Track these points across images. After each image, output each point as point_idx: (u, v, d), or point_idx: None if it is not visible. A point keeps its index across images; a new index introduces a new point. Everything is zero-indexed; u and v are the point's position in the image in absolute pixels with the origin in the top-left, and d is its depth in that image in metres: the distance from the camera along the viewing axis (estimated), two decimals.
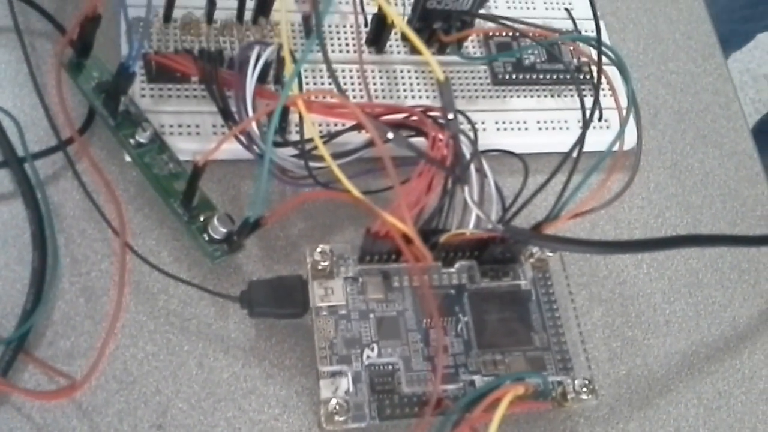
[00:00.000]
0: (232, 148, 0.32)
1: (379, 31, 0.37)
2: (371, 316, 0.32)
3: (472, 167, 0.32)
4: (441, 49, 0.38)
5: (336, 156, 0.31)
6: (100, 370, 0.30)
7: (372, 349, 0.31)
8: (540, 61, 0.39)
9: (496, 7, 0.40)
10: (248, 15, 0.35)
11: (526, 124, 0.38)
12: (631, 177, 0.33)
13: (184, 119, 0.34)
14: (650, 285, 0.37)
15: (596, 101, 0.35)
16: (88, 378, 0.29)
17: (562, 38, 0.39)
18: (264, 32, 0.35)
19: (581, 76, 0.39)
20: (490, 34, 0.39)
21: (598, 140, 0.35)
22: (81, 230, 0.32)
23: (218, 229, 0.32)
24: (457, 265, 0.33)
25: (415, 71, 0.38)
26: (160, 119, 0.34)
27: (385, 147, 0.29)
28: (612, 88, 0.37)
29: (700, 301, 0.37)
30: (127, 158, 0.33)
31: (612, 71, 0.37)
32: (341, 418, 0.30)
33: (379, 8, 0.36)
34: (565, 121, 0.39)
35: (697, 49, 0.44)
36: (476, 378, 0.31)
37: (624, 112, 0.37)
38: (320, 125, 0.35)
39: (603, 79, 0.36)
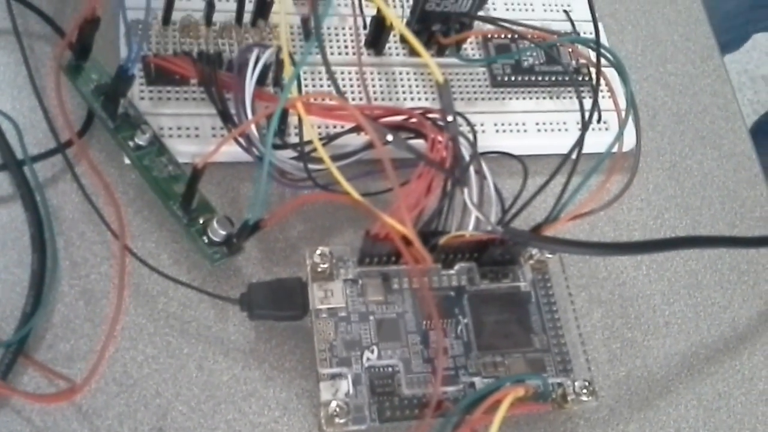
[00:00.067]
0: (231, 151, 0.32)
1: (378, 33, 0.37)
2: (371, 318, 0.32)
3: (472, 169, 0.32)
4: (440, 51, 0.38)
5: (335, 158, 0.31)
6: (99, 372, 0.30)
7: (372, 351, 0.31)
8: (539, 63, 0.39)
9: (494, 9, 0.40)
10: (247, 17, 0.35)
11: (525, 125, 0.38)
12: (631, 178, 0.33)
13: (183, 122, 0.34)
14: (650, 286, 0.37)
15: (595, 103, 0.35)
16: (88, 381, 0.29)
17: (560, 40, 0.39)
18: (263, 34, 0.35)
19: (580, 78, 0.39)
20: (489, 36, 0.39)
21: (596, 142, 0.35)
22: (80, 233, 0.32)
23: (218, 232, 0.31)
24: (456, 267, 0.33)
25: (414, 73, 0.38)
26: (159, 122, 0.33)
27: (385, 149, 0.29)
28: (611, 90, 0.38)
29: (700, 302, 0.37)
30: (126, 161, 0.33)
31: (611, 73, 0.37)
32: (341, 421, 0.30)
33: (378, 10, 0.36)
34: (564, 123, 0.39)
35: (695, 51, 0.44)
36: (476, 380, 0.31)
37: (623, 113, 0.37)
38: (319, 127, 0.35)
39: (602, 81, 0.36)
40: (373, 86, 0.37)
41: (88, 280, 0.31)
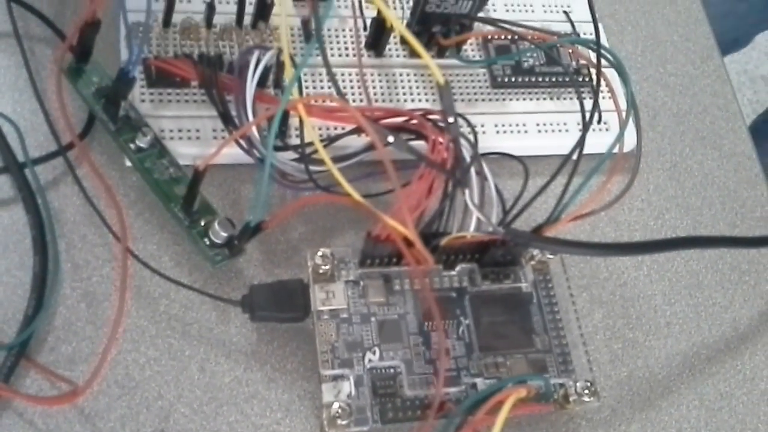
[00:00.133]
0: (232, 153, 0.32)
1: (378, 35, 0.37)
2: (372, 319, 0.32)
3: (473, 170, 0.32)
4: (440, 53, 0.38)
5: (336, 159, 0.31)
6: (101, 375, 0.30)
7: (374, 353, 0.31)
8: (539, 64, 0.39)
9: (494, 11, 0.40)
10: (247, 19, 0.35)
11: (525, 126, 0.38)
12: (631, 179, 0.33)
13: (184, 124, 0.34)
14: (651, 287, 0.37)
15: (595, 104, 0.35)
16: (90, 383, 0.29)
17: (561, 41, 0.39)
18: (263, 36, 0.35)
19: (580, 79, 0.39)
20: (489, 37, 0.39)
21: (597, 142, 0.35)
22: (82, 235, 0.32)
23: (219, 234, 0.32)
24: (458, 268, 0.33)
25: (414, 74, 0.38)
26: (160, 124, 0.34)
27: (386, 150, 0.29)
28: (611, 91, 0.38)
29: (701, 302, 0.37)
30: (128, 163, 0.33)
31: (611, 73, 0.37)
32: (344, 422, 0.30)
33: (378, 12, 0.36)
34: (564, 124, 0.39)
35: (695, 51, 0.44)
36: (478, 381, 0.31)
37: (623, 114, 0.37)
38: (320, 129, 0.35)
39: (602, 82, 0.36)
40: (374, 88, 0.37)
41: (89, 282, 0.31)
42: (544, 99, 0.39)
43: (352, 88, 0.36)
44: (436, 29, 0.37)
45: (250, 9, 0.35)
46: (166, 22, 0.34)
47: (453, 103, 0.30)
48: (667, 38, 0.44)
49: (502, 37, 0.39)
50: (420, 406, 0.31)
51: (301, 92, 0.34)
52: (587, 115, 0.35)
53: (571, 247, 0.33)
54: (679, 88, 0.43)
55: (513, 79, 0.39)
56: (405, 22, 0.38)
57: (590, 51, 0.38)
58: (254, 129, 0.32)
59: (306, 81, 0.36)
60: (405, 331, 0.32)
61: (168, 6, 0.34)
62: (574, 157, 0.32)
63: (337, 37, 0.37)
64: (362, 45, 0.37)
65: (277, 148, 0.33)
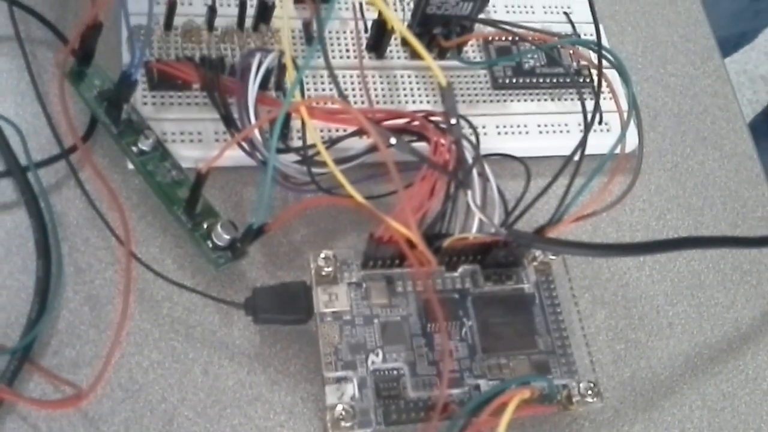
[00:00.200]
0: (234, 155, 0.32)
1: (379, 37, 0.37)
2: (375, 321, 0.32)
3: (475, 171, 0.32)
4: (441, 54, 0.38)
5: (337, 162, 0.31)
6: (105, 378, 0.30)
7: (377, 355, 0.31)
8: (540, 65, 0.39)
9: (495, 12, 0.40)
10: (249, 22, 0.35)
11: (526, 127, 0.38)
12: (633, 180, 0.33)
13: (186, 126, 0.34)
14: (653, 287, 0.37)
15: (597, 105, 0.35)
16: (93, 387, 0.29)
17: (562, 42, 0.39)
18: (265, 39, 0.35)
19: (581, 80, 0.39)
20: (490, 38, 0.39)
21: (598, 143, 0.35)
22: (84, 238, 0.32)
23: (222, 236, 0.32)
24: (460, 270, 0.33)
25: (416, 76, 0.38)
26: (162, 127, 0.34)
27: (388, 152, 0.29)
28: (612, 91, 0.38)
29: (703, 302, 0.37)
30: (130, 166, 0.33)
31: (611, 74, 0.37)
32: (347, 424, 0.30)
33: (379, 14, 0.36)
34: (566, 125, 0.39)
35: (695, 51, 0.44)
36: (481, 382, 0.31)
37: (624, 114, 0.37)
38: (321, 131, 0.35)
39: (603, 82, 0.36)
40: (375, 89, 0.37)
41: (92, 285, 0.31)
42: (545, 100, 0.39)
43: (353, 89, 0.36)
44: (436, 31, 0.37)
45: (251, 11, 0.35)
46: (168, 24, 0.34)
47: (455, 105, 0.30)
48: (667, 38, 0.45)
49: (503, 38, 0.39)
50: (423, 407, 0.31)
51: (303, 94, 0.34)
52: (588, 116, 0.35)
53: (573, 248, 0.33)
54: (680, 89, 0.43)
55: (514, 80, 0.39)
56: (406, 23, 0.38)
57: (591, 52, 0.38)
58: (256, 131, 0.32)
59: (307, 83, 0.36)
60: (408, 332, 0.32)
61: (169, 9, 0.34)
62: (576, 158, 0.32)
63: (338, 39, 0.38)
64: (363, 47, 0.37)
65: (279, 151, 0.33)
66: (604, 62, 0.36)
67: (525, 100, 0.39)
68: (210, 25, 0.35)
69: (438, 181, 0.31)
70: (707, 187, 0.40)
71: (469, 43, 0.39)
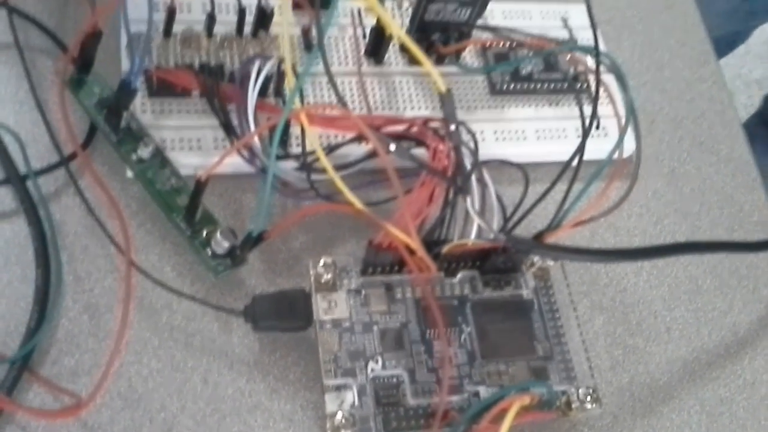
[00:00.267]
0: (233, 162, 0.32)
1: (377, 43, 0.37)
2: (375, 328, 0.32)
3: (473, 177, 0.32)
4: (439, 60, 0.38)
5: (336, 168, 0.31)
6: (105, 387, 0.30)
7: (376, 362, 0.31)
8: (537, 71, 0.39)
9: (492, 18, 0.41)
10: (248, 29, 0.35)
11: (524, 133, 0.38)
12: (631, 185, 0.33)
13: (186, 134, 0.34)
14: (650, 292, 0.37)
15: (594, 110, 0.36)
16: (93, 396, 0.29)
17: (560, 49, 0.39)
18: (264, 45, 0.35)
19: (578, 85, 0.40)
20: (488, 44, 0.39)
21: (595, 148, 0.35)
22: (84, 247, 0.32)
23: (221, 244, 0.31)
24: (459, 276, 0.34)
25: (414, 82, 0.38)
26: (162, 134, 0.34)
27: (387, 158, 0.29)
28: (610, 97, 0.38)
29: (700, 307, 0.37)
30: (129, 174, 0.33)
31: (609, 79, 0.37)
32: None
33: (378, 21, 0.36)
34: (563, 130, 0.39)
35: (692, 56, 0.45)
36: (481, 389, 0.31)
37: (622, 120, 0.37)
38: (319, 137, 0.35)
39: (600, 88, 0.36)
40: (373, 95, 0.37)
41: (92, 294, 0.31)
42: (543, 105, 0.39)
43: (352, 96, 0.37)
44: (435, 37, 0.37)
45: (250, 18, 0.35)
46: (167, 32, 0.34)
47: (455, 111, 0.30)
48: (663, 44, 0.45)
49: (501, 44, 0.39)
50: (423, 415, 0.31)
51: (302, 101, 0.34)
52: (586, 122, 0.35)
53: (572, 254, 0.33)
54: (676, 94, 0.43)
55: (511, 86, 0.39)
56: (404, 30, 0.38)
57: (588, 57, 0.38)
58: (256, 138, 0.32)
59: (306, 89, 0.36)
60: (407, 339, 0.32)
61: (168, 16, 0.34)
62: (574, 163, 0.32)
63: (336, 45, 0.38)
64: (362, 53, 0.38)
65: (278, 158, 0.33)
66: (602, 67, 0.36)
67: (522, 106, 0.39)
68: (209, 32, 0.35)
69: (437, 187, 0.31)
70: (704, 192, 0.41)
71: (467, 49, 0.39)
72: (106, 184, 0.33)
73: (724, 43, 0.79)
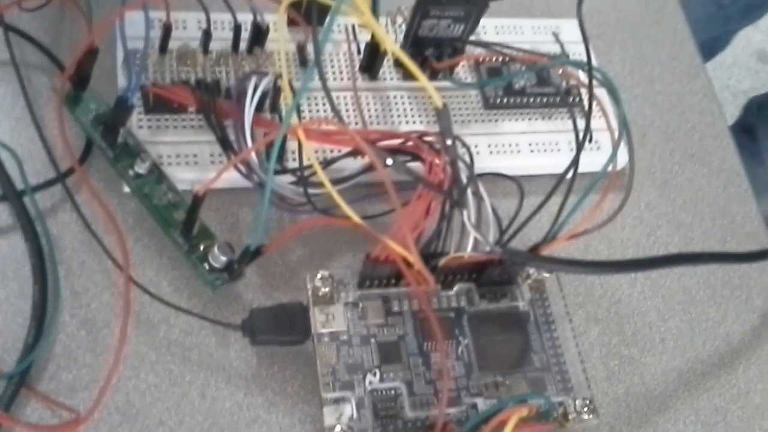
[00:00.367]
0: (230, 177, 0.32)
1: (372, 59, 0.37)
2: (372, 341, 0.32)
3: (469, 191, 0.33)
4: (433, 75, 0.38)
5: (333, 182, 0.31)
6: (103, 402, 0.30)
7: (374, 374, 0.31)
8: (530, 85, 0.40)
9: (485, 33, 0.41)
10: (243, 45, 0.36)
11: (518, 146, 0.39)
12: (625, 198, 0.33)
13: (182, 149, 0.34)
14: (645, 303, 0.37)
15: (588, 124, 0.36)
16: (91, 411, 0.29)
17: (553, 63, 0.40)
18: (259, 62, 0.36)
19: (571, 99, 0.40)
20: (481, 59, 0.40)
21: (589, 161, 0.36)
22: (81, 262, 0.32)
23: (219, 258, 0.32)
24: (455, 288, 0.34)
25: (408, 97, 0.38)
26: (158, 150, 0.34)
27: (384, 172, 0.30)
28: (602, 110, 0.38)
29: (694, 318, 0.38)
30: (126, 189, 0.33)
31: (601, 93, 0.38)
32: None
33: (372, 36, 0.37)
34: (556, 143, 0.39)
35: (682, 70, 0.45)
36: (478, 400, 0.32)
37: (615, 133, 0.37)
38: (315, 152, 0.35)
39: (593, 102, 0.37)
40: (368, 110, 0.37)
41: (89, 309, 0.31)
42: (536, 119, 0.40)
43: (347, 111, 0.37)
44: (428, 52, 0.38)
45: (245, 35, 0.36)
46: (163, 48, 0.35)
47: (452, 125, 0.31)
48: (654, 58, 0.45)
49: (494, 59, 0.40)
50: (422, 427, 0.31)
51: (299, 117, 0.35)
52: (580, 135, 0.35)
53: (567, 266, 0.33)
54: (667, 107, 0.44)
55: (505, 100, 0.39)
56: (398, 45, 0.38)
57: (580, 71, 0.39)
58: (253, 153, 0.32)
59: (302, 104, 0.36)
60: (405, 352, 0.32)
61: (164, 33, 0.34)
62: (568, 176, 0.33)
63: (331, 61, 0.38)
64: (356, 68, 0.38)
65: (275, 172, 0.33)
66: (594, 81, 0.37)
67: (516, 120, 0.39)
68: (205, 49, 0.35)
69: (433, 200, 0.32)
70: (696, 204, 0.41)
71: (461, 64, 0.39)
72: (103, 199, 0.33)
73: (706, 50, 0.80)
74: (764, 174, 0.75)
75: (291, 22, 0.36)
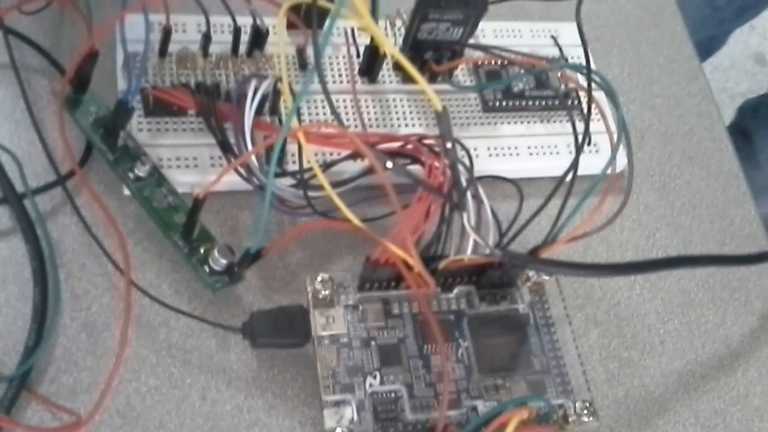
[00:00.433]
0: (230, 180, 0.32)
1: (371, 62, 0.38)
2: (372, 343, 0.32)
3: (469, 194, 0.33)
4: (432, 79, 0.39)
5: (333, 185, 0.31)
6: (104, 405, 0.30)
7: (374, 377, 0.31)
8: (529, 88, 0.40)
9: (484, 37, 0.41)
10: (243, 48, 0.36)
11: (517, 149, 0.39)
12: (624, 200, 0.33)
13: (182, 152, 0.34)
14: (644, 306, 0.38)
15: (587, 127, 0.36)
16: (92, 414, 0.29)
17: (552, 67, 0.40)
18: (259, 65, 0.36)
19: (569, 102, 0.40)
20: (480, 63, 0.40)
21: (587, 164, 0.36)
22: (81, 265, 0.32)
23: (219, 261, 0.32)
24: (455, 291, 0.34)
25: (408, 100, 0.38)
26: (158, 153, 0.34)
27: (384, 175, 0.30)
28: (601, 113, 0.38)
29: (693, 320, 0.38)
30: (126, 192, 0.33)
31: (599, 96, 0.38)
32: None
33: (371, 39, 0.37)
34: (555, 146, 0.39)
35: (680, 72, 0.45)
36: (479, 403, 0.32)
37: (614, 136, 0.37)
38: (315, 155, 0.35)
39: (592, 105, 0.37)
40: (368, 113, 0.37)
41: (89, 312, 0.31)
42: (535, 122, 0.40)
43: (346, 114, 0.37)
44: (427, 56, 0.38)
45: (245, 38, 0.36)
46: (163, 51, 0.35)
47: (451, 129, 0.31)
48: (652, 60, 0.45)
49: (493, 62, 0.40)
50: (422, 429, 0.31)
51: (299, 120, 0.35)
52: (579, 138, 0.35)
53: (566, 269, 0.33)
54: (666, 109, 0.44)
55: (503, 104, 0.39)
56: (397, 48, 0.38)
57: (579, 75, 0.39)
58: (253, 156, 0.32)
59: (301, 107, 0.36)
60: (405, 354, 0.32)
61: (164, 36, 0.34)
62: (568, 179, 0.33)
63: (330, 64, 0.38)
64: (356, 72, 0.38)
65: (275, 175, 0.33)
66: (593, 84, 0.37)
67: (515, 123, 0.39)
68: (204, 52, 0.35)
69: (433, 203, 0.32)
70: (695, 206, 0.41)
71: (460, 67, 0.39)
72: (104, 202, 0.33)
73: (703, 49, 0.80)
74: (760, 176, 0.75)
75: (290, 25, 0.36)
